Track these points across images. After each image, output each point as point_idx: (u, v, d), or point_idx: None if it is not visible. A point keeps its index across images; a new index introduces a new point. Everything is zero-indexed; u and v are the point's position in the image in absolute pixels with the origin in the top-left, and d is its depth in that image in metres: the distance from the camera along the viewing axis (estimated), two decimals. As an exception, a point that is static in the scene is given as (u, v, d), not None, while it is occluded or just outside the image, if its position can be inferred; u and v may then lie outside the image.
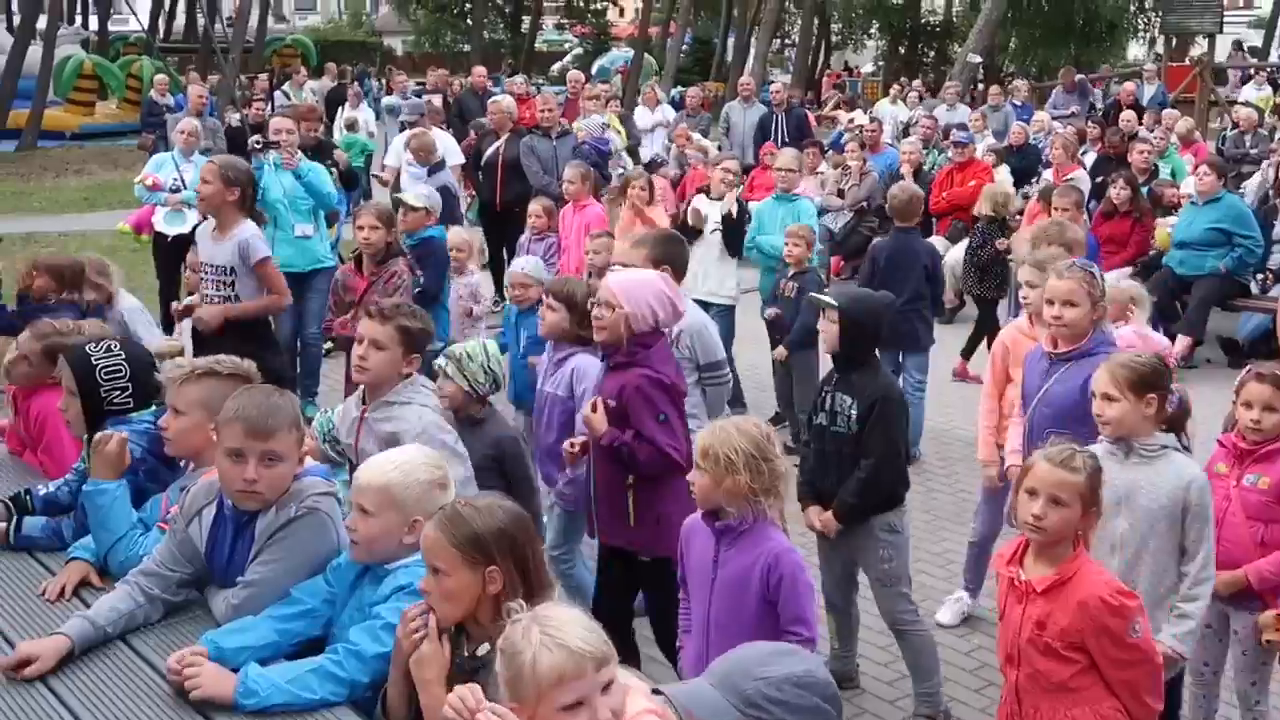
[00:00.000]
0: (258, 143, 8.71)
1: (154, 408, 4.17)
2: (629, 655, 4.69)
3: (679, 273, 5.76)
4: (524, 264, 6.99)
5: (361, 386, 4.48)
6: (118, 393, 4.17)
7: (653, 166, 14.76)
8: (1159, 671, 3.59)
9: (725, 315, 8.58)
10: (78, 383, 4.16)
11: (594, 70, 30.62)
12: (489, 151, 11.71)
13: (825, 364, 5.37)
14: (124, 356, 4.25)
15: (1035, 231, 6.81)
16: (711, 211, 8.75)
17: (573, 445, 4.85)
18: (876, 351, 5.22)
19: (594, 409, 4.55)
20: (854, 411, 4.84)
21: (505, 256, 11.63)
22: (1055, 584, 3.49)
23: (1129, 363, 4.15)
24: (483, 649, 2.83)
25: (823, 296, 5.12)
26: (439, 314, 7.84)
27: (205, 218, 6.90)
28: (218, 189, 6.48)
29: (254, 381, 3.88)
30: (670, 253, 5.85)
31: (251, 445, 3.37)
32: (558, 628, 2.48)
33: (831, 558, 5.19)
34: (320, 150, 10.42)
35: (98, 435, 3.94)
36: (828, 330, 4.97)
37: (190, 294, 7.80)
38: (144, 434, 4.06)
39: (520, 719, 2.50)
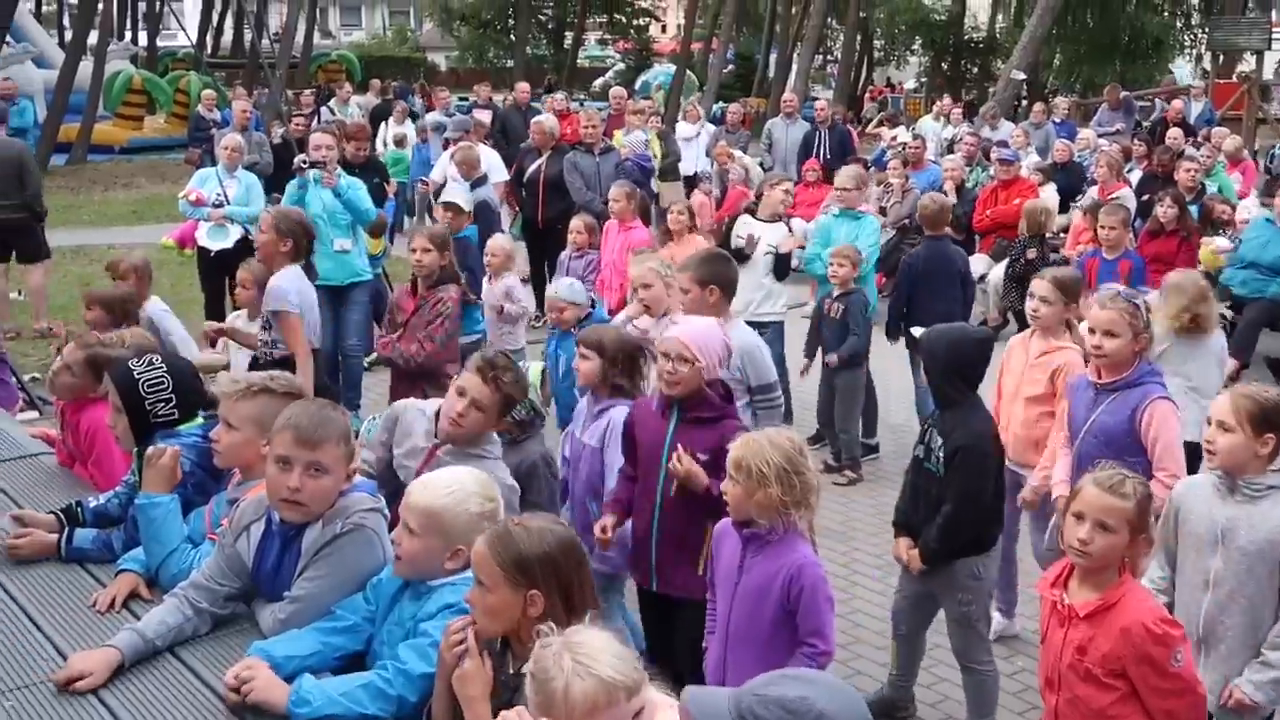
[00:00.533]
0: (304, 162, 8.82)
1: (202, 420, 4.21)
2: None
3: (727, 293, 5.65)
4: (560, 286, 6.99)
5: (432, 412, 4.47)
6: (162, 405, 4.22)
7: (694, 183, 14.79)
8: (1202, 703, 3.54)
9: (778, 334, 8.57)
10: (122, 398, 4.22)
11: (637, 86, 30.70)
12: (531, 169, 11.78)
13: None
14: (166, 369, 4.29)
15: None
16: (763, 234, 8.73)
17: (603, 530, 4.72)
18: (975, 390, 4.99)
19: (681, 465, 4.45)
20: (942, 453, 4.76)
21: (548, 273, 11.71)
22: (1099, 609, 3.46)
23: (1254, 395, 4.01)
24: (527, 667, 2.84)
25: (914, 333, 5.11)
26: (474, 311, 7.95)
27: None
28: (271, 239, 6.60)
29: (304, 398, 3.92)
30: (717, 272, 5.68)
31: (298, 454, 3.40)
32: (590, 655, 2.49)
33: (913, 590, 5.12)
34: (370, 167, 10.51)
35: (150, 449, 3.99)
36: (920, 367, 4.96)
37: (239, 309, 7.88)
38: (193, 447, 4.10)
39: None
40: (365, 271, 8.96)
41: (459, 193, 9.38)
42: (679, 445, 4.46)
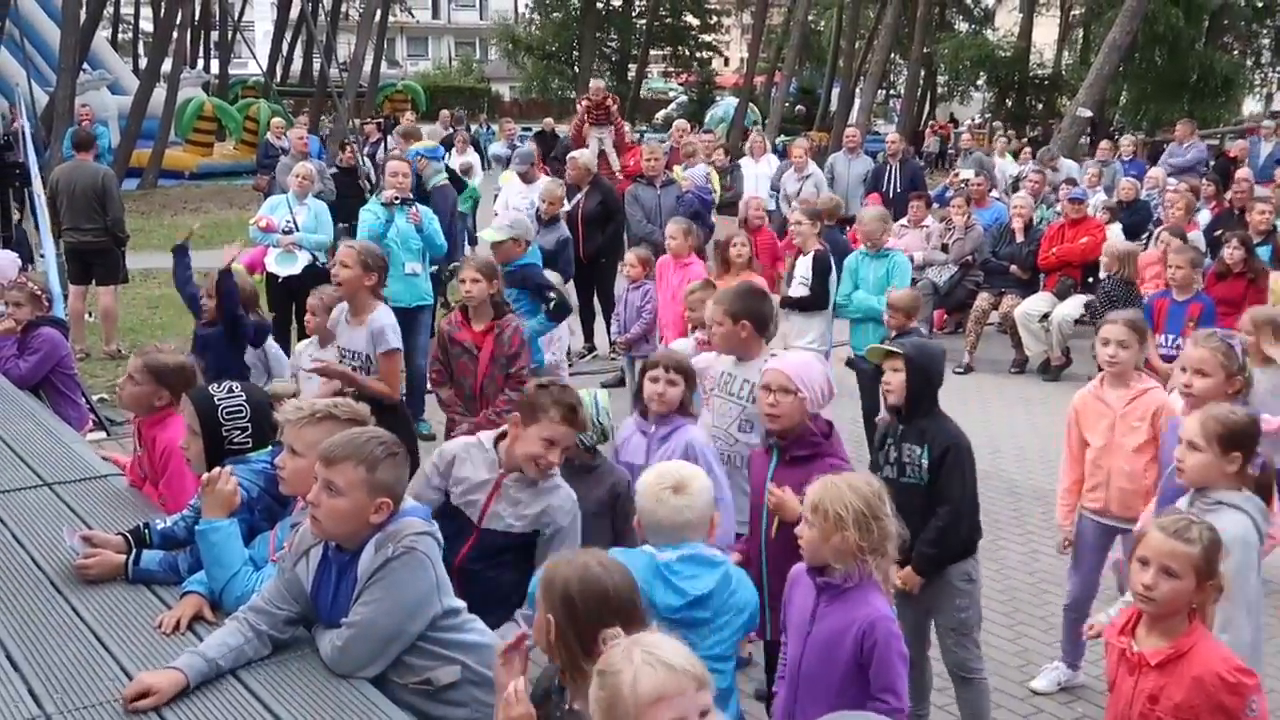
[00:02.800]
0: (396, 199, 9.19)
1: (270, 448, 4.27)
2: None
3: (760, 328, 5.60)
4: (681, 345, 7.02)
5: (494, 445, 4.50)
6: (238, 432, 4.30)
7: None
8: None
9: (876, 378, 8.53)
10: (201, 422, 4.29)
11: (706, 120, 30.83)
12: (570, 204, 11.83)
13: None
14: (245, 398, 4.37)
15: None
16: (798, 266, 8.77)
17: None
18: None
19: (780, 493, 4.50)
20: (925, 460, 4.79)
21: (596, 306, 11.78)
22: (1170, 657, 3.41)
23: (1223, 417, 4.10)
24: (595, 669, 2.83)
25: (888, 345, 5.03)
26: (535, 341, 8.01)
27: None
28: (356, 274, 6.49)
29: (368, 425, 3.96)
30: (750, 307, 5.60)
31: (319, 470, 3.53)
32: (657, 646, 2.53)
33: (904, 611, 5.01)
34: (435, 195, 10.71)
35: (207, 474, 4.05)
36: (894, 380, 4.89)
37: (307, 336, 7.94)
38: (261, 473, 4.16)
39: None
40: (429, 295, 9.37)
41: (495, 225, 9.31)
42: (781, 484, 4.52)
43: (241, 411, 4.31)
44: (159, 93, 26.22)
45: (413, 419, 9.15)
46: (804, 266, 8.74)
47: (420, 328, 9.21)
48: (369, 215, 9.27)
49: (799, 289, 8.70)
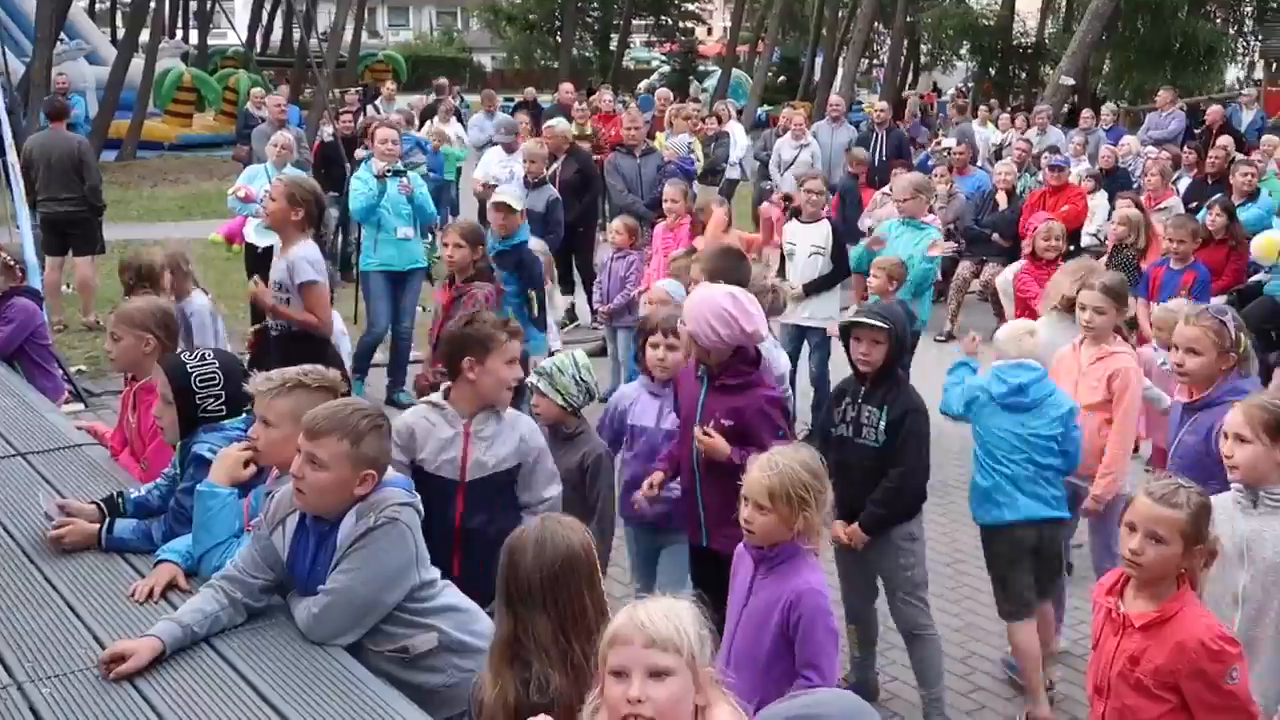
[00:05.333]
0: (390, 170, 9.26)
1: (244, 415, 4.24)
2: None
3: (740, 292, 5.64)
4: (667, 284, 6.97)
5: (443, 408, 4.45)
6: (212, 400, 4.26)
7: (731, 188, 14.74)
8: None
9: (824, 341, 8.56)
10: (174, 389, 4.25)
11: (699, 89, 30.67)
12: (547, 174, 11.75)
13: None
14: (218, 365, 4.33)
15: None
16: (805, 235, 8.72)
17: (650, 486, 4.89)
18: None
19: (706, 434, 4.59)
20: (882, 423, 4.88)
21: (576, 275, 11.74)
22: (1155, 621, 3.41)
23: (1267, 405, 3.96)
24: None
25: (869, 319, 4.98)
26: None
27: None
28: (282, 207, 6.56)
29: (340, 394, 3.94)
30: (724, 267, 5.67)
31: (302, 443, 3.51)
32: (647, 604, 2.56)
33: (852, 569, 5.24)
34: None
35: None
36: (874, 351, 4.90)
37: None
38: (234, 439, 4.13)
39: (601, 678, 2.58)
40: (423, 259, 9.50)
41: (510, 191, 9.28)
42: (710, 413, 4.62)
43: (215, 379, 4.27)
44: (137, 63, 25.95)
45: (395, 385, 9.18)
46: (818, 236, 8.69)
47: (410, 291, 9.37)
48: (359, 184, 9.27)
49: (815, 259, 8.64)
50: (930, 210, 9.33)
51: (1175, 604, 3.41)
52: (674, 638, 2.49)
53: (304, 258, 6.53)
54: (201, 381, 4.26)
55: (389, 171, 9.25)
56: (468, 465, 4.36)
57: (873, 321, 4.95)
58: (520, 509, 4.37)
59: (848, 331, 5.06)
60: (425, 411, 4.46)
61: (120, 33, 32.58)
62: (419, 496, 3.69)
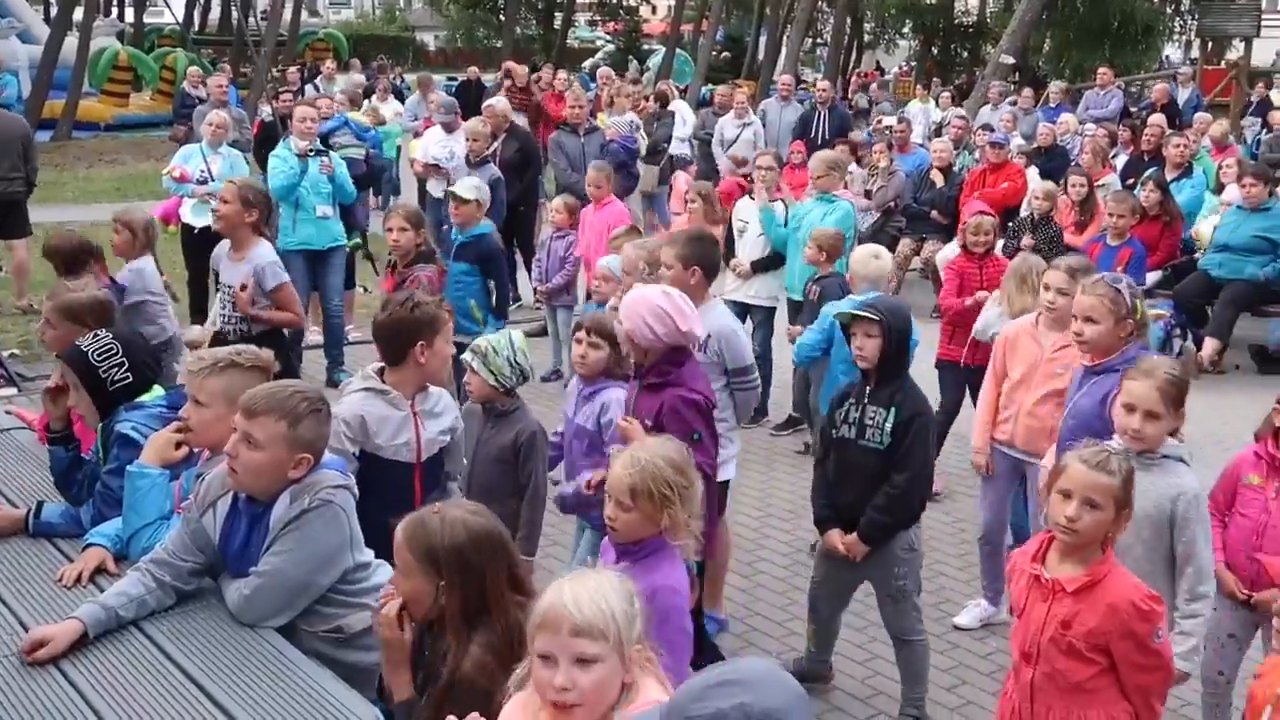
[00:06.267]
0: (312, 150, 9.18)
1: (165, 392, 4.20)
2: None
3: (709, 272, 5.55)
4: (610, 261, 7.00)
5: (387, 393, 4.39)
6: (116, 369, 4.19)
7: (677, 164, 14.73)
8: (1170, 678, 3.59)
9: (768, 319, 8.61)
10: (77, 374, 4.20)
11: (646, 68, 30.59)
12: (487, 152, 11.68)
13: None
14: (111, 335, 4.30)
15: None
16: (756, 213, 8.73)
17: (589, 485, 4.73)
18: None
19: (629, 423, 4.54)
20: (889, 425, 4.73)
21: (516, 257, 11.67)
22: (1086, 584, 3.47)
23: (1173, 379, 4.07)
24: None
25: (861, 310, 4.93)
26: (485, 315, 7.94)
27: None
28: (236, 210, 6.52)
29: (271, 373, 3.91)
30: (698, 252, 5.57)
31: (239, 421, 3.47)
32: (576, 584, 2.52)
33: (835, 576, 5.09)
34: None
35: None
36: (867, 345, 4.80)
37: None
38: (156, 418, 4.10)
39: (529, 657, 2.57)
40: (343, 237, 9.42)
41: (466, 182, 9.07)
42: (638, 414, 4.58)
43: (111, 348, 4.22)
44: (71, 41, 25.46)
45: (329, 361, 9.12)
46: (743, 210, 8.69)
47: (332, 269, 9.32)
48: (279, 163, 9.15)
49: (761, 243, 8.64)
50: (845, 186, 9.37)
51: (1104, 567, 3.49)
52: (600, 624, 2.47)
53: (271, 262, 6.58)
54: (99, 355, 4.20)
55: (311, 151, 9.17)
56: (422, 445, 4.37)
57: (863, 313, 4.85)
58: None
59: (847, 328, 4.97)
60: (367, 398, 4.36)
61: (54, 10, 31.95)
62: (354, 479, 3.67)
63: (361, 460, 4.27)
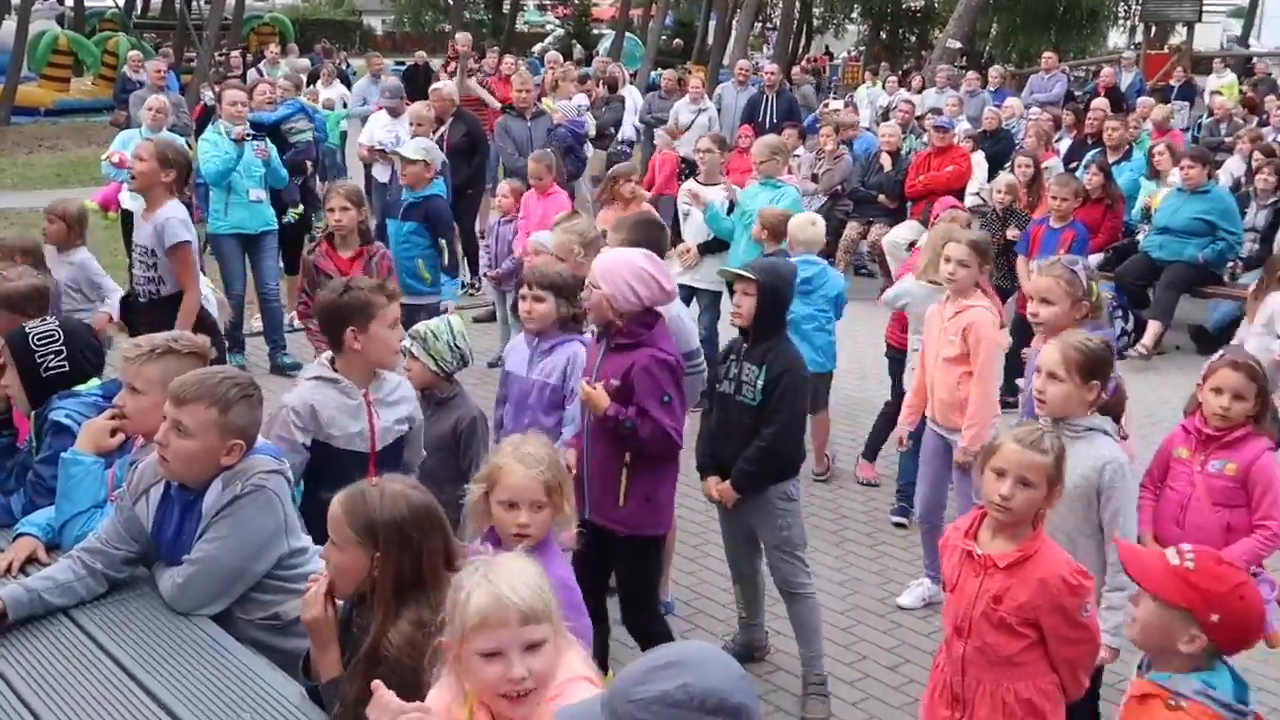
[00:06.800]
0: (249, 135, 9.06)
1: (101, 382, 4.14)
2: (601, 628, 4.73)
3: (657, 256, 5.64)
4: (543, 236, 6.95)
5: (338, 381, 4.30)
6: (52, 357, 4.14)
7: (618, 153, 14.71)
8: (1097, 651, 3.65)
9: (714, 302, 8.62)
10: (13, 354, 4.14)
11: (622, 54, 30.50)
12: (434, 137, 11.61)
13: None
14: (57, 324, 4.25)
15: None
16: (703, 195, 8.74)
17: (569, 468, 4.58)
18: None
19: (592, 388, 4.51)
20: (760, 381, 4.85)
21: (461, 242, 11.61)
22: (1018, 560, 3.51)
23: (1082, 346, 4.15)
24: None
25: (740, 270, 5.03)
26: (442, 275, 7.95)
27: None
28: (152, 168, 6.45)
29: (208, 359, 3.86)
30: (646, 236, 5.66)
31: (168, 409, 3.43)
32: (499, 574, 2.49)
33: (732, 526, 5.27)
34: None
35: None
36: (744, 304, 4.90)
37: None
38: (91, 406, 4.05)
39: (449, 656, 2.52)
40: (273, 221, 9.30)
41: (414, 143, 8.98)
42: (604, 375, 4.54)
43: (53, 335, 4.16)
44: (9, 25, 25.08)
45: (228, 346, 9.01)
46: (714, 197, 8.68)
47: (266, 253, 9.22)
48: (210, 147, 9.02)
49: (705, 226, 8.64)
50: (789, 171, 9.40)
51: (1034, 543, 3.54)
52: (541, 606, 2.48)
53: (176, 218, 6.46)
54: (39, 339, 4.15)
55: (247, 136, 9.05)
56: (376, 434, 4.29)
57: (740, 271, 4.96)
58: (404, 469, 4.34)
59: (730, 286, 5.06)
60: (318, 387, 4.29)
61: (-9, -6, 31.38)
62: (287, 464, 3.64)
63: (314, 450, 4.22)
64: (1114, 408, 4.40)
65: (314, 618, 3.02)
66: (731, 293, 5.04)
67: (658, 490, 4.63)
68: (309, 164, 10.50)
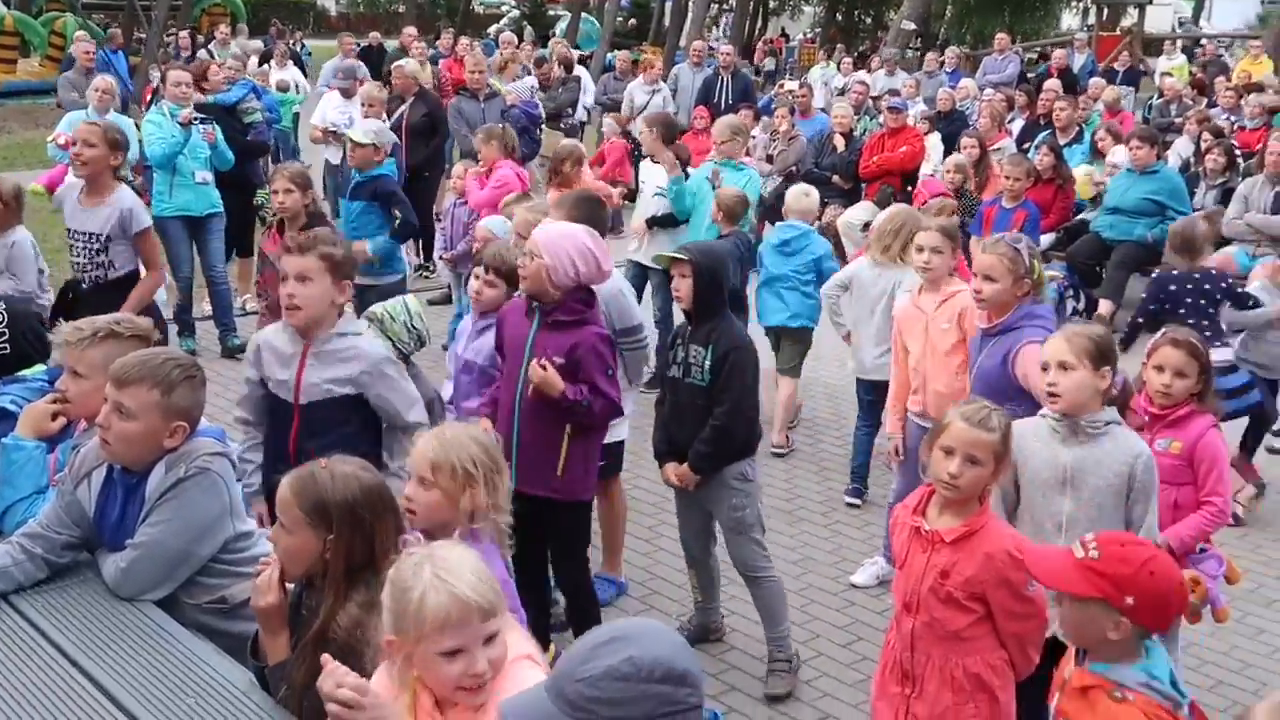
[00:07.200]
0: (197, 118, 8.96)
1: (46, 367, 4.08)
2: (544, 602, 4.81)
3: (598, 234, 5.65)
4: (491, 222, 6.95)
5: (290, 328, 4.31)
6: None
7: (572, 132, 14.68)
8: (1045, 626, 3.66)
9: (666, 282, 8.57)
10: None
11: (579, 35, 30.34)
12: (394, 116, 11.52)
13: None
14: (4, 306, 4.20)
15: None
16: (652, 175, 8.72)
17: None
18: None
19: (543, 369, 4.48)
20: (707, 362, 4.86)
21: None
22: (964, 535, 3.54)
23: (1090, 334, 4.06)
24: (388, 575, 2.64)
25: (673, 252, 5.03)
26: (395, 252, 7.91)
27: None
28: (103, 152, 6.39)
29: (152, 341, 3.82)
30: (587, 213, 5.64)
31: (110, 391, 3.39)
32: (450, 571, 2.47)
33: (688, 510, 5.25)
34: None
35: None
36: (683, 286, 4.90)
37: None
38: (38, 391, 4.01)
39: (398, 653, 2.51)
40: (219, 203, 9.19)
41: (359, 126, 8.89)
42: (541, 349, 4.54)
43: None
44: (-48, 6, 24.62)
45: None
46: (657, 175, 8.67)
47: (212, 235, 9.12)
48: (155, 129, 8.90)
49: (656, 201, 8.63)
50: (748, 153, 9.40)
51: (981, 518, 3.57)
52: (494, 598, 2.48)
53: (138, 204, 6.47)
54: None
55: (195, 119, 8.95)
56: (301, 387, 4.26)
57: (674, 254, 4.97)
58: (372, 443, 4.33)
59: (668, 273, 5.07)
60: (277, 328, 4.41)
61: (-66, -27, 30.78)
62: (232, 447, 3.60)
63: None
64: (1120, 405, 4.24)
65: (268, 604, 2.99)
66: (670, 277, 5.04)
67: (591, 455, 4.74)
68: (264, 144, 10.38)
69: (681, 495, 5.19)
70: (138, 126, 10.56)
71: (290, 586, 3.04)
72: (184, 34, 20.92)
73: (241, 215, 9.51)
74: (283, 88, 15.68)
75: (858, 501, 6.92)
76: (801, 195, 7.88)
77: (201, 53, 18.88)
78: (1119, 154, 10.88)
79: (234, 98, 10.15)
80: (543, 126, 13.37)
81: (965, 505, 3.59)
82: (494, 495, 3.25)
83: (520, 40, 21.84)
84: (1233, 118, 13.59)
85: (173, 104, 8.94)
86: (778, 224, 7.94)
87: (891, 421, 5.92)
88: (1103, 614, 2.84)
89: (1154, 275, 7.96)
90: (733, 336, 4.94)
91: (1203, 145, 11.63)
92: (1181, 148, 12.60)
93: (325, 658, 2.55)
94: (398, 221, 7.73)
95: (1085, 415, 3.98)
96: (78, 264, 6.57)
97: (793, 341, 7.70)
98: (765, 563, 5.12)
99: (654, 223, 8.64)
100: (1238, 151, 11.52)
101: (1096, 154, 11.63)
